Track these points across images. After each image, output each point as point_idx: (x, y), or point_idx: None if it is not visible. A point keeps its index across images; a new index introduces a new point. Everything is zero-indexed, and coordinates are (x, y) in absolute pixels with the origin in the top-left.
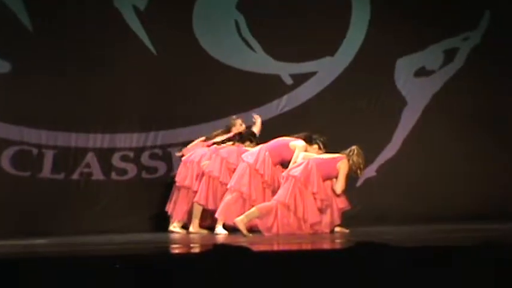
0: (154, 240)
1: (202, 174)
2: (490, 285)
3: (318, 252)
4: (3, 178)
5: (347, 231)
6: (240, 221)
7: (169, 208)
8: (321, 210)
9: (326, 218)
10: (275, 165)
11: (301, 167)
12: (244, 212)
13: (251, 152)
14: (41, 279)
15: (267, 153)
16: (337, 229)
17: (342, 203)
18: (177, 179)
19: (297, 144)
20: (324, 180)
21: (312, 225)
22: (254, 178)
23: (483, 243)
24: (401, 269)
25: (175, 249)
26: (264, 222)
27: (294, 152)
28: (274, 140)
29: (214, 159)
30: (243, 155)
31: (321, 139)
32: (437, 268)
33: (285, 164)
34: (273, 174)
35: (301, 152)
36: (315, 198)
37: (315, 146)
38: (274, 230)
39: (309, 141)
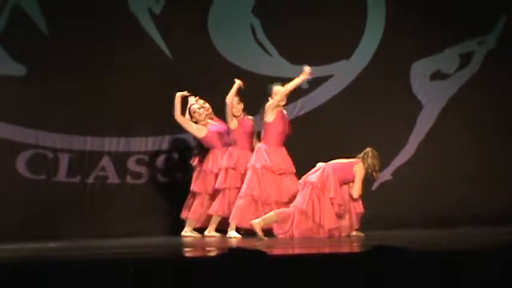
0: (169, 244)
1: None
2: None
3: (334, 256)
4: (19, 181)
5: (362, 235)
6: (257, 224)
7: (184, 214)
8: (339, 215)
9: (345, 223)
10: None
11: (318, 172)
12: (258, 216)
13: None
14: (56, 283)
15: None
16: (353, 233)
17: (359, 208)
18: (193, 185)
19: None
20: (341, 185)
21: (330, 231)
22: (267, 181)
23: (501, 247)
24: (415, 273)
25: (191, 252)
26: (280, 227)
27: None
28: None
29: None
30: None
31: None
32: (452, 272)
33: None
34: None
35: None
36: (332, 204)
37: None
38: (290, 234)
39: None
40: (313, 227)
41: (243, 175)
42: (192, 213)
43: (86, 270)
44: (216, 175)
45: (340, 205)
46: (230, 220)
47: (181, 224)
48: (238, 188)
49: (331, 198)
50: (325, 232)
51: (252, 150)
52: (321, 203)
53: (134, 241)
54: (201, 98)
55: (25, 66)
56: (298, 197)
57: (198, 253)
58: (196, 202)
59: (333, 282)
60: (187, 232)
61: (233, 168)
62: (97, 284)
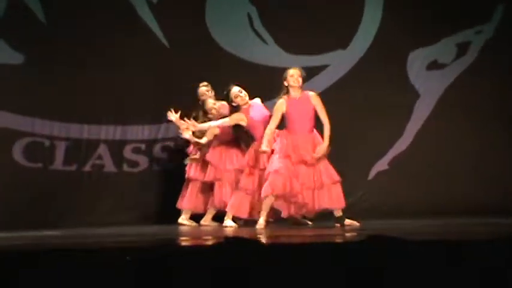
0: (165, 233)
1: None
2: (502, 279)
3: (329, 245)
4: (16, 169)
5: (357, 224)
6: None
7: (180, 204)
8: None
9: None
10: None
11: None
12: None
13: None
14: (54, 270)
15: None
16: (347, 222)
17: None
18: (189, 173)
19: None
20: None
21: None
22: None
23: (497, 238)
24: (411, 263)
25: (186, 241)
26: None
27: None
28: None
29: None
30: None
31: None
32: (448, 262)
33: None
34: None
35: None
36: None
37: None
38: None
39: None
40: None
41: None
42: (186, 203)
43: (82, 258)
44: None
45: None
46: (227, 209)
47: (178, 213)
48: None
49: None
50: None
51: None
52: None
53: (130, 229)
54: (198, 86)
55: (23, 54)
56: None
57: (193, 242)
58: (190, 190)
59: (328, 271)
60: (183, 220)
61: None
62: (93, 272)
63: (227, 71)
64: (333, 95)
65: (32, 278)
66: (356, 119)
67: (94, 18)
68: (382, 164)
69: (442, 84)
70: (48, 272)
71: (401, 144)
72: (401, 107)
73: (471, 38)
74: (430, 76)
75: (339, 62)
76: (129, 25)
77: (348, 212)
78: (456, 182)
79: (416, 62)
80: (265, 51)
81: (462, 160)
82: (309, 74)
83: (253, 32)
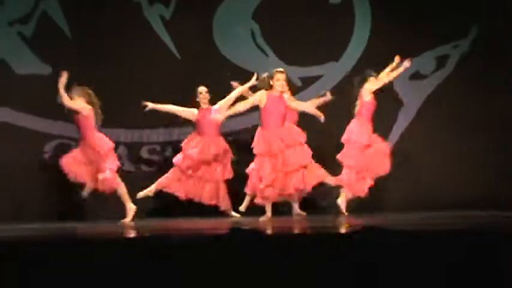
0: (173, 224)
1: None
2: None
3: (332, 236)
4: (46, 167)
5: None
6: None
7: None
8: None
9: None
10: None
11: None
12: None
13: None
14: (75, 258)
15: None
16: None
17: None
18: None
19: None
20: None
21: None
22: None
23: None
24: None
25: (192, 232)
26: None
27: None
28: None
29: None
30: None
31: None
32: (423, 250)
33: None
34: None
35: None
36: None
37: None
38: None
39: None
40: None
41: None
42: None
43: (102, 246)
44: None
45: None
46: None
47: (186, 206)
48: None
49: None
50: None
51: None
52: None
53: (144, 222)
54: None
55: (51, 66)
56: None
57: (199, 233)
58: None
59: (328, 262)
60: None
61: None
62: (110, 257)
63: (232, 80)
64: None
65: (58, 261)
66: (345, 122)
67: (114, 33)
68: None
69: (423, 93)
70: (73, 257)
71: None
72: (387, 113)
73: (449, 51)
74: (412, 85)
75: (332, 73)
76: (145, 39)
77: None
78: (435, 180)
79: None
80: (266, 63)
81: (440, 161)
82: (306, 83)
83: (255, 45)
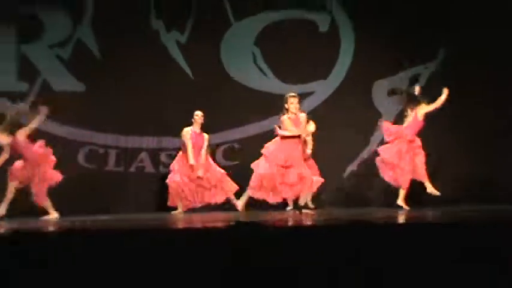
0: (184, 219)
1: None
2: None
3: (328, 227)
4: (79, 170)
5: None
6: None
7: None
8: None
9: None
10: None
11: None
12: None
13: None
14: (105, 245)
15: None
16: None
17: None
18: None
19: None
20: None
21: None
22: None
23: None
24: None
25: (201, 225)
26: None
27: None
28: None
29: None
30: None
31: None
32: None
33: None
34: None
35: None
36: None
37: None
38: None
39: None
40: None
41: None
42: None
43: (127, 235)
44: None
45: None
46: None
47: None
48: None
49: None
50: None
51: None
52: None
53: (160, 215)
54: (214, 108)
55: (84, 84)
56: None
57: (206, 225)
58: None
59: (332, 252)
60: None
61: None
62: (132, 245)
63: (236, 96)
64: (318, 114)
65: (89, 248)
66: (334, 132)
67: (136, 55)
68: (353, 166)
69: (398, 107)
70: (102, 245)
71: (367, 152)
72: (368, 124)
73: (421, 71)
74: (389, 100)
75: (322, 90)
76: (164, 61)
77: (327, 200)
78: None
79: (379, 89)
80: (266, 81)
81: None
82: (300, 98)
83: (256, 66)
